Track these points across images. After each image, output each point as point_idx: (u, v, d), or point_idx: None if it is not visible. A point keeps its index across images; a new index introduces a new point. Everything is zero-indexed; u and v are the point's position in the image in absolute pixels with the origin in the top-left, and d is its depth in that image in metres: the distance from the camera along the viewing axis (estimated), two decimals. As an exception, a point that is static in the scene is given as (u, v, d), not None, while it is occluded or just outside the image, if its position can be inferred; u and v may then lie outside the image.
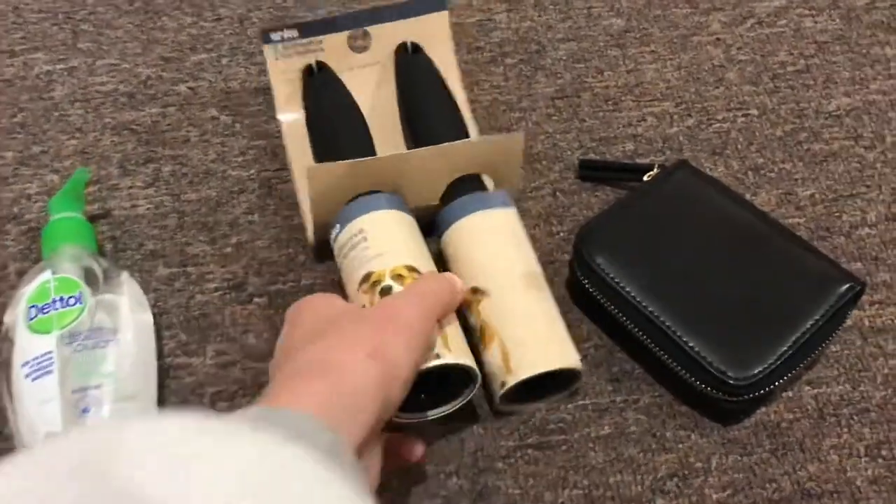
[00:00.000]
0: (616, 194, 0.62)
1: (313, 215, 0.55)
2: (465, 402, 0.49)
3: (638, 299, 0.52)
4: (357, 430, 0.37)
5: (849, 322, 0.55)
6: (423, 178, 0.55)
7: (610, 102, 0.67)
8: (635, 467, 0.51)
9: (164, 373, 0.55)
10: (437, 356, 0.46)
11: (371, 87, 0.63)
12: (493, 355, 0.50)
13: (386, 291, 0.48)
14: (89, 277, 0.54)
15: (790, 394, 0.53)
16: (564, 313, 0.56)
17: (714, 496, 0.50)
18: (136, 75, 0.70)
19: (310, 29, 0.61)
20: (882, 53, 0.69)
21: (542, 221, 0.61)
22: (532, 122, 0.66)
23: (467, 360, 0.47)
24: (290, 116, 0.62)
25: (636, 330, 0.52)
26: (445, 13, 0.63)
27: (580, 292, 0.56)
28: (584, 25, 0.72)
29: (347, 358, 0.39)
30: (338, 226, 0.53)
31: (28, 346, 0.51)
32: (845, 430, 0.52)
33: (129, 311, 0.54)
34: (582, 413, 0.53)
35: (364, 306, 0.49)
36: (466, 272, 0.52)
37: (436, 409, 0.48)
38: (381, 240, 0.51)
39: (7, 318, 0.53)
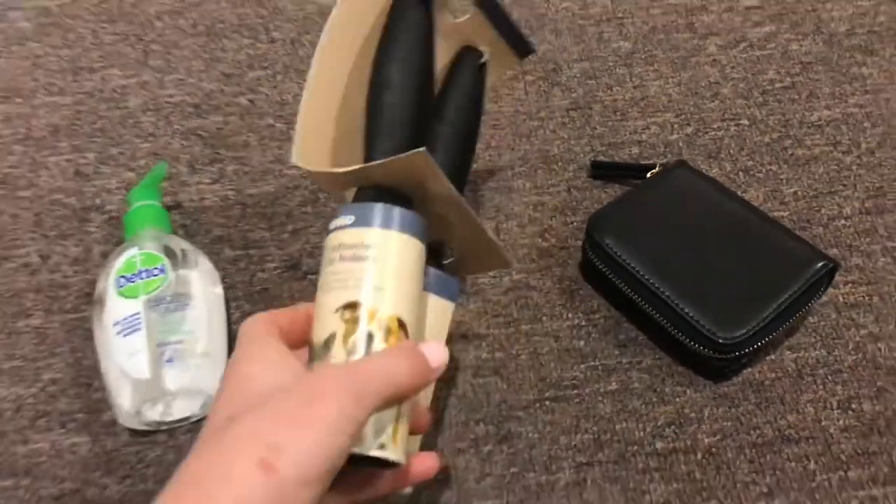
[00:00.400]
0: (623, 191, 0.70)
1: (365, 167, 0.46)
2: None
3: (641, 273, 0.60)
4: None
5: (825, 298, 0.63)
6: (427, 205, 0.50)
7: (618, 113, 0.76)
8: (638, 417, 0.59)
9: (233, 338, 0.63)
10: (382, 446, 0.41)
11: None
12: None
13: (367, 338, 0.42)
14: (169, 254, 0.63)
15: (773, 357, 0.61)
16: (577, 290, 0.65)
17: (706, 440, 0.58)
18: (200, 89, 0.79)
19: None
20: (860, 73, 0.78)
21: (557, 213, 0.69)
22: (549, 130, 0.75)
23: (403, 456, 0.43)
24: (333, 47, 0.53)
25: (639, 300, 0.61)
26: (515, 60, 0.62)
27: (591, 271, 0.65)
28: (595, 48, 0.81)
29: (236, 470, 0.35)
30: (350, 217, 0.45)
31: (118, 308, 0.60)
32: (820, 387, 0.60)
33: (203, 284, 0.63)
34: (592, 372, 0.61)
35: (332, 334, 0.42)
36: None
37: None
38: (389, 272, 0.43)
39: (99, 287, 0.62)
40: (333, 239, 0.45)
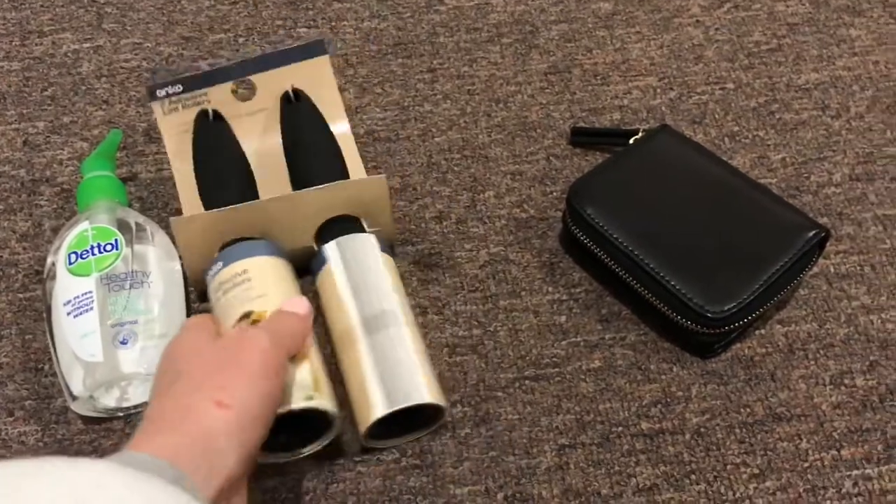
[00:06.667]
0: (605, 158, 0.67)
1: (185, 263, 0.58)
2: (327, 442, 0.52)
3: (625, 245, 0.57)
4: (215, 477, 0.38)
5: (816, 269, 0.61)
6: (292, 222, 0.58)
7: (598, 77, 0.72)
8: (622, 396, 0.56)
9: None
10: (310, 398, 0.48)
11: (258, 133, 0.64)
12: (355, 395, 0.53)
13: None
14: (123, 228, 0.59)
15: (763, 331, 0.58)
16: (557, 263, 0.62)
17: (694, 420, 0.55)
18: (158, 53, 0.75)
19: (194, 82, 0.61)
20: (847, 34, 0.75)
21: (536, 183, 0.66)
22: (527, 95, 0.71)
23: (333, 405, 0.50)
24: (184, 167, 0.62)
25: (623, 273, 0.58)
26: (326, 58, 0.63)
27: (572, 242, 0.61)
28: (574, 9, 0.77)
29: (196, 408, 0.40)
30: (220, 263, 0.55)
31: (69, 287, 0.56)
32: (812, 362, 0.57)
33: (160, 260, 0.59)
34: (574, 349, 0.58)
35: None
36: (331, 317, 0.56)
37: (303, 449, 0.51)
38: (264, 282, 0.53)
39: (48, 263, 0.58)
40: (215, 280, 0.55)
